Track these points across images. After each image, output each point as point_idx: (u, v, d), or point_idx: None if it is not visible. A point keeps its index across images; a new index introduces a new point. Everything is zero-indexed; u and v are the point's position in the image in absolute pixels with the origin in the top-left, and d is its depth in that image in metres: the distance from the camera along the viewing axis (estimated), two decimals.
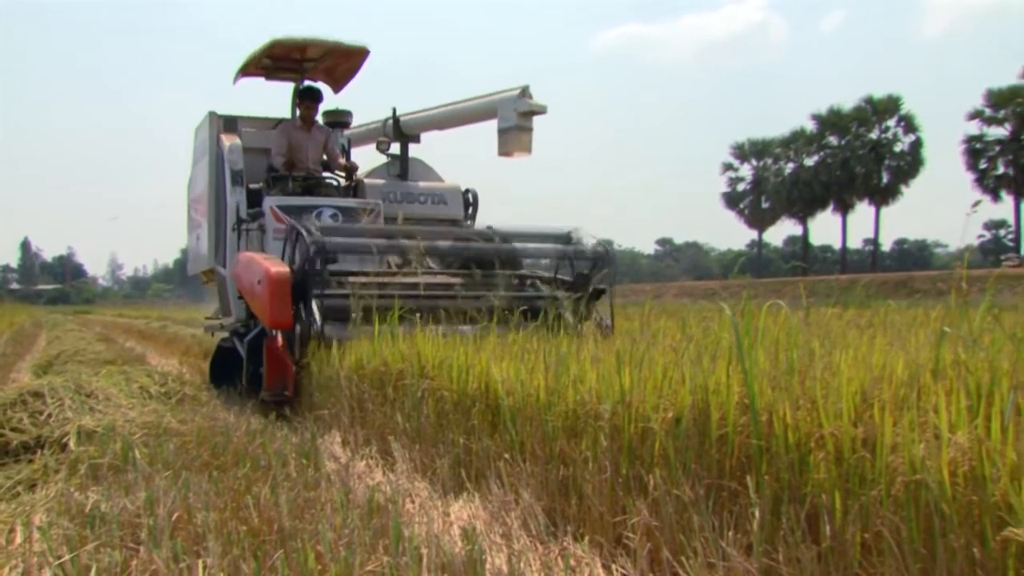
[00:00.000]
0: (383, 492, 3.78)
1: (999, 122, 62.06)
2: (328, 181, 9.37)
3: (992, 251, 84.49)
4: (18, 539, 3.35)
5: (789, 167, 76.08)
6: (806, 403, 2.70)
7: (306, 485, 3.91)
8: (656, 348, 3.81)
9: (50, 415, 5.55)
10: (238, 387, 7.71)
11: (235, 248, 8.46)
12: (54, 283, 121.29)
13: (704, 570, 2.60)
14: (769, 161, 78.87)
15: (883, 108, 69.29)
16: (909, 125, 68.86)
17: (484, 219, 9.83)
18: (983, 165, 62.25)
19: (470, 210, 9.96)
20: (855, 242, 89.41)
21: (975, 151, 62.52)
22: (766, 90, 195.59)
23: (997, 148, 61.84)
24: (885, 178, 68.48)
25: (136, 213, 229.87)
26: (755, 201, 79.33)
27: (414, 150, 10.25)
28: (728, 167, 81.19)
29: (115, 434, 5.04)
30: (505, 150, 8.58)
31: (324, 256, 6.74)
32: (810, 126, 73.58)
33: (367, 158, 10.11)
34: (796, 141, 75.33)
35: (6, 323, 25.80)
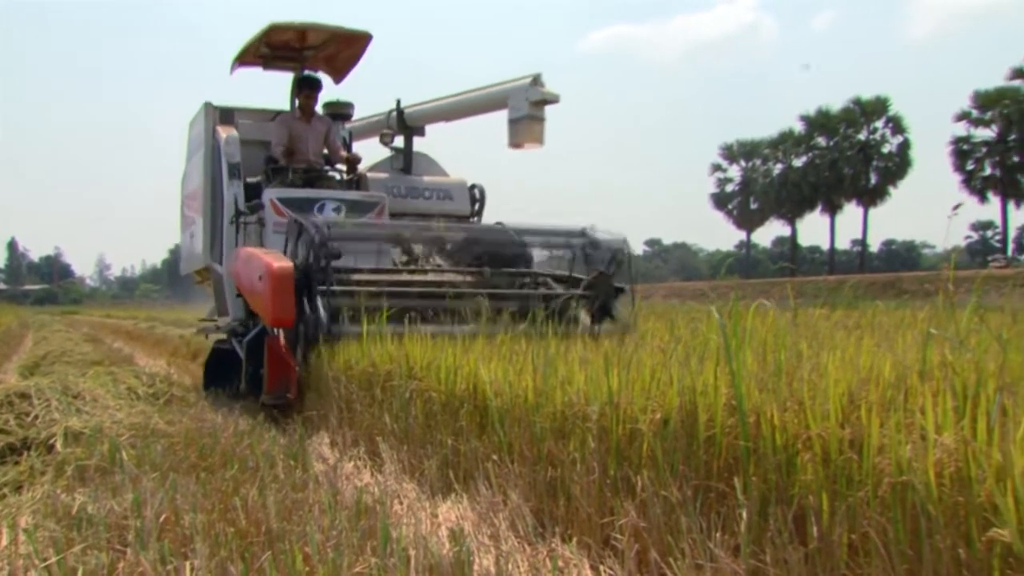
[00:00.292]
0: (371, 493, 3.77)
1: (986, 123, 62.39)
2: (330, 174, 9.03)
3: (979, 252, 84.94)
4: (3, 541, 3.33)
5: (777, 168, 76.40)
6: (793, 404, 2.71)
7: (294, 486, 3.91)
8: (644, 349, 3.81)
9: (37, 416, 5.52)
10: (235, 390, 7.52)
11: (233, 243, 8.18)
12: (41, 283, 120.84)
13: (692, 571, 2.60)
14: (758, 162, 79.19)
15: (871, 109, 69.56)
16: (897, 126, 69.18)
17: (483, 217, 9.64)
18: (970, 166, 62.57)
19: (476, 206, 9.69)
20: (843, 243, 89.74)
21: (962, 152, 62.83)
22: (755, 91, 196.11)
23: (984, 149, 62.17)
24: (873, 179, 68.73)
25: (124, 213, 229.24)
26: (743, 202, 79.63)
27: (417, 144, 9.90)
28: (717, 168, 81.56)
29: (102, 435, 5.02)
30: (516, 141, 8.33)
31: (329, 252, 6.44)
32: (798, 127, 73.90)
33: (367, 152, 9.81)
34: (784, 142, 75.58)
35: None
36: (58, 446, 4.95)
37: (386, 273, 7.28)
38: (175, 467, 4.35)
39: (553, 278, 7.75)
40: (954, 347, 2.84)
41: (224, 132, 8.61)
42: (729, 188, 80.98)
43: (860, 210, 69.99)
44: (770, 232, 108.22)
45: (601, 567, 2.91)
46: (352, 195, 8.47)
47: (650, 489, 2.90)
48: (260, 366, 6.77)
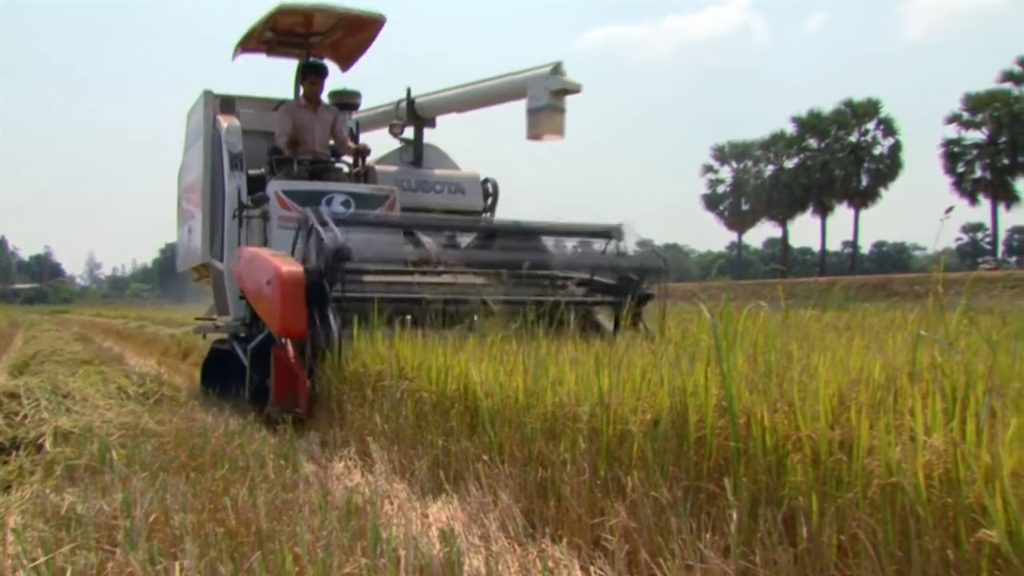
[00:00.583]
0: (361, 493, 3.77)
1: (976, 126, 62.60)
2: (337, 166, 8.61)
3: (970, 254, 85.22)
4: None
5: (769, 169, 76.58)
6: (784, 406, 2.71)
7: (284, 486, 3.90)
8: (635, 350, 3.82)
9: (26, 416, 5.50)
10: (236, 394, 7.25)
11: (235, 238, 7.71)
12: (31, 282, 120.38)
13: (682, 572, 2.61)
14: (749, 163, 79.44)
15: (862, 111, 69.74)
16: (888, 128, 69.37)
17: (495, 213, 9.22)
18: (961, 168, 62.75)
19: (489, 201, 9.16)
20: (834, 244, 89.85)
21: (953, 155, 63.03)
22: (747, 92, 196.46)
23: (975, 152, 62.37)
24: (864, 181, 68.89)
25: (114, 212, 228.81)
26: (735, 203, 79.85)
27: (426, 136, 9.46)
28: (708, 169, 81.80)
29: (92, 435, 5.00)
30: (535, 133, 7.98)
31: (344, 255, 5.89)
32: (790, 129, 74.04)
33: (375, 145, 9.26)
34: (776, 143, 75.73)
35: None
36: (47, 446, 4.93)
37: (399, 274, 6.84)
38: (165, 467, 4.33)
39: (573, 281, 7.31)
40: (944, 349, 2.85)
41: (225, 121, 8.18)
42: (720, 189, 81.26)
43: (851, 212, 70.25)
44: (761, 233, 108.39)
45: (591, 567, 2.91)
46: (362, 188, 8.05)
47: (640, 490, 2.90)
48: (266, 376, 6.41)
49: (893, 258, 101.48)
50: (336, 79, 9.09)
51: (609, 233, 7.26)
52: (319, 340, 5.84)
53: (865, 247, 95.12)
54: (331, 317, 5.80)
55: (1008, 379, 2.49)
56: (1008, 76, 60.55)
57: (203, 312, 9.84)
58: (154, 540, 3.04)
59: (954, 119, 63.18)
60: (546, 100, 7.85)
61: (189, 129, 9.16)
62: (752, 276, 65.31)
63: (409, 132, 9.36)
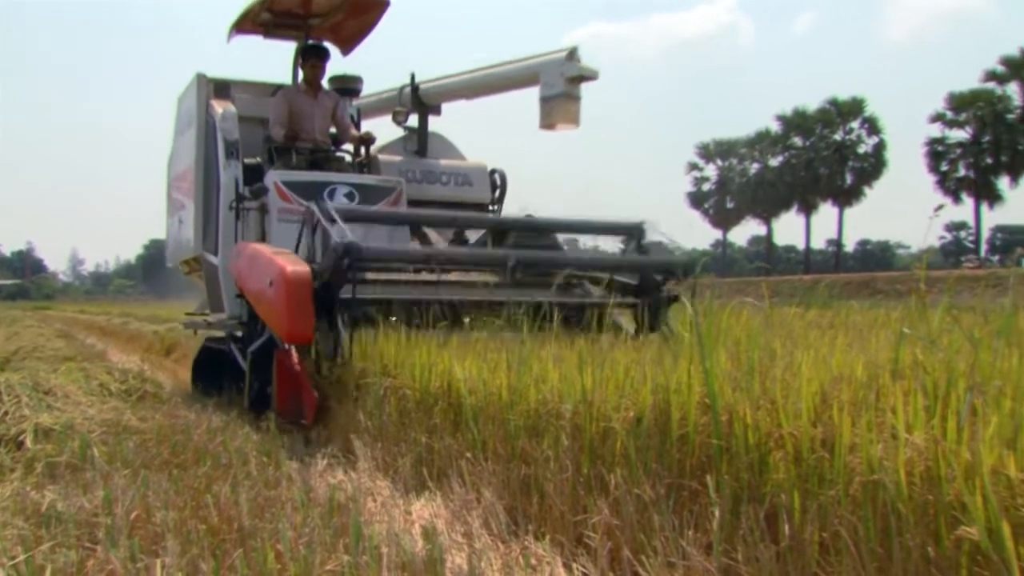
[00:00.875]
0: (344, 491, 3.76)
1: (960, 125, 62.91)
2: (339, 155, 8.23)
3: (953, 253, 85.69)
4: None
5: (754, 167, 76.95)
6: (766, 403, 2.72)
7: (267, 483, 3.89)
8: (618, 347, 3.82)
9: (6, 412, 5.46)
10: (232, 396, 7.08)
11: (231, 231, 7.29)
12: (13, 278, 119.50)
13: (664, 569, 2.61)
14: (734, 161, 79.73)
15: (847, 110, 70.02)
16: (873, 127, 69.66)
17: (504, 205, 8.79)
18: (944, 167, 63.06)
19: (497, 193, 8.67)
20: (819, 242, 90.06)
21: (937, 154, 63.31)
22: (732, 91, 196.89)
23: (958, 151, 62.67)
24: (849, 179, 69.16)
25: (97, 208, 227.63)
26: (720, 201, 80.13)
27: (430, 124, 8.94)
28: (693, 167, 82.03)
29: (73, 432, 4.97)
30: (549, 122, 7.53)
31: (358, 255, 5.38)
32: (775, 127, 74.29)
33: (376, 133, 8.71)
34: (761, 142, 76.05)
35: None
36: (28, 442, 4.90)
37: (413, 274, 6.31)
38: (147, 464, 4.31)
39: (592, 281, 6.83)
40: (926, 347, 2.86)
41: (220, 107, 7.71)
42: (706, 187, 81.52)
43: (835, 210, 70.50)
44: (746, 231, 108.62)
45: (574, 565, 2.91)
46: (367, 179, 7.63)
47: (623, 487, 2.90)
48: (268, 382, 6.06)
49: (877, 256, 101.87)
50: (336, 64, 8.67)
51: (631, 231, 6.86)
52: (327, 351, 5.46)
53: (849, 245, 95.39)
54: (340, 321, 5.40)
55: (989, 377, 2.50)
56: (991, 76, 60.86)
57: (191, 307, 9.52)
58: (135, 537, 3.03)
59: (938, 118, 63.51)
60: (561, 87, 7.42)
61: (180, 114, 8.73)
62: (737, 274, 65.47)
63: (412, 120, 8.85)
